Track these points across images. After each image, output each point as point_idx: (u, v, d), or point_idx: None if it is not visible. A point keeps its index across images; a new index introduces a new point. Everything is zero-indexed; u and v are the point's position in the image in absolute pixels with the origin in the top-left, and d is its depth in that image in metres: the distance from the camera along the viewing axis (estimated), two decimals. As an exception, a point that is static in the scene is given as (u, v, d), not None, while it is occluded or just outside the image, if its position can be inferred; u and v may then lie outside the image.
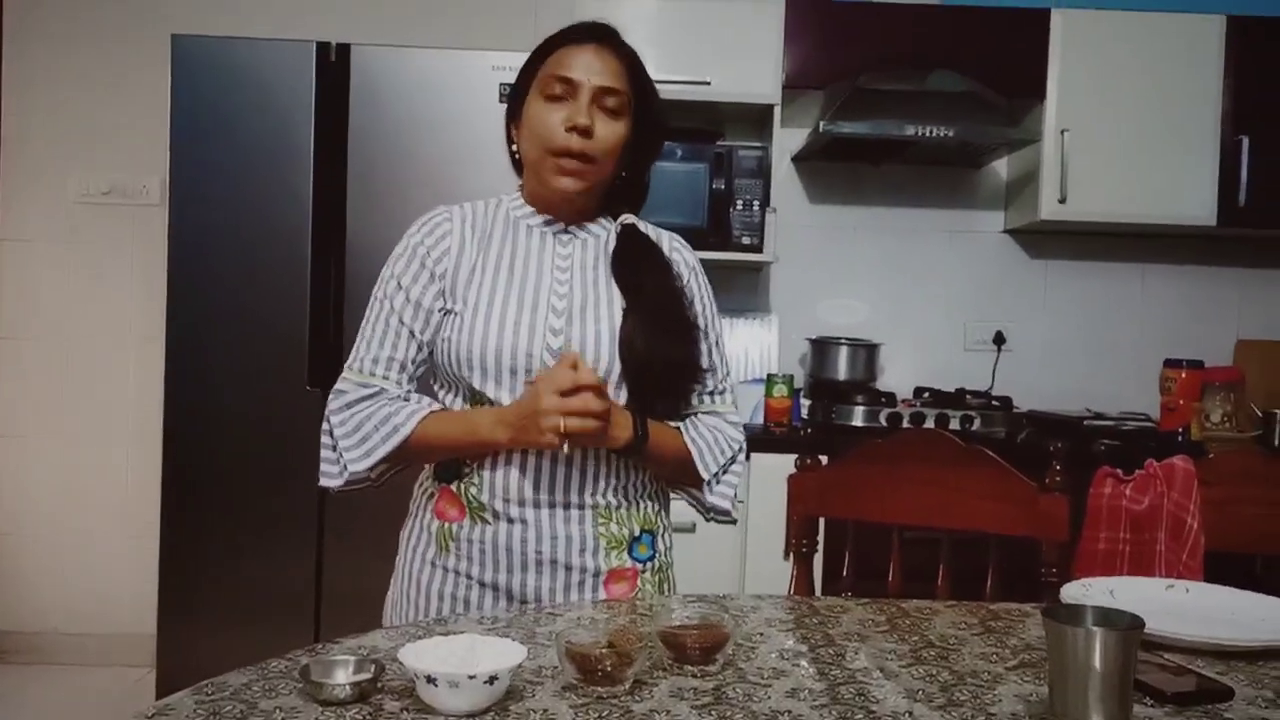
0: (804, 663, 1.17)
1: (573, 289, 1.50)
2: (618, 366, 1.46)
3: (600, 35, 1.49)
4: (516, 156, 1.56)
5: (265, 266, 2.92)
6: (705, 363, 1.56)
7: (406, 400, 1.48)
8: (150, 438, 3.31)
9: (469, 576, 1.48)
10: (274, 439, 2.92)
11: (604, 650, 1.06)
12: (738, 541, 2.93)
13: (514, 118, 1.55)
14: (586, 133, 1.45)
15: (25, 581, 3.63)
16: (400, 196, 2.90)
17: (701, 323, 1.56)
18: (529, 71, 1.52)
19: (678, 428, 1.53)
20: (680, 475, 1.56)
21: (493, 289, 1.48)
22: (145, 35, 3.53)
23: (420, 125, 2.92)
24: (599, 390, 1.37)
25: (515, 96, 1.54)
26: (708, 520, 1.61)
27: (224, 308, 2.92)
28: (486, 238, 1.53)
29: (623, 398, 1.47)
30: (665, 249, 1.58)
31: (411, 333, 1.49)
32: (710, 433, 1.56)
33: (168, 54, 2.90)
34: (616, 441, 1.42)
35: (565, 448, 1.36)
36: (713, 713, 1.01)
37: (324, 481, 1.49)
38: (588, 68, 1.46)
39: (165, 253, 2.93)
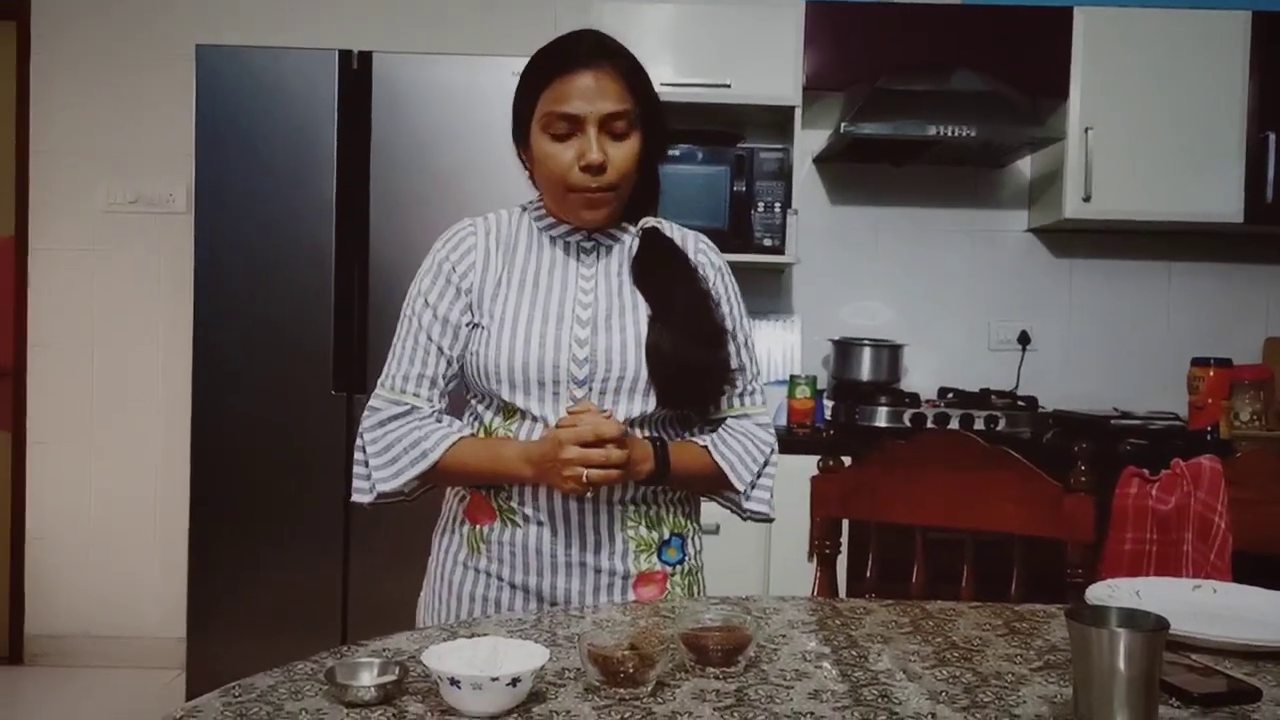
0: (827, 664, 1.17)
1: (597, 298, 1.50)
2: (645, 373, 1.46)
3: (592, 59, 1.43)
4: (532, 178, 1.55)
5: (290, 273, 2.95)
6: (734, 363, 1.56)
7: (439, 421, 1.49)
8: (178, 443, 3.35)
9: (499, 578, 1.49)
10: (300, 444, 2.95)
11: (626, 652, 1.06)
12: (762, 543, 2.93)
13: (520, 142, 1.53)
14: (601, 168, 1.44)
15: (57, 586, 3.68)
16: (423, 202, 2.92)
17: (729, 324, 1.56)
18: (525, 96, 1.48)
19: (705, 446, 1.53)
20: (714, 488, 1.57)
21: (518, 302, 1.48)
22: (170, 46, 3.57)
23: (442, 131, 2.94)
24: (620, 440, 1.38)
25: (517, 123, 1.51)
26: (744, 520, 1.61)
27: (250, 314, 2.95)
28: (511, 250, 1.53)
29: (651, 404, 1.47)
30: (691, 251, 1.57)
31: (440, 349, 1.49)
32: (740, 441, 1.55)
33: (192, 64, 2.94)
34: (638, 476, 1.44)
35: (589, 494, 1.39)
36: (735, 714, 1.01)
37: (356, 498, 1.51)
38: (587, 97, 1.42)
39: (191, 260, 2.96)
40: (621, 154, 1.45)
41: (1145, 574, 2.14)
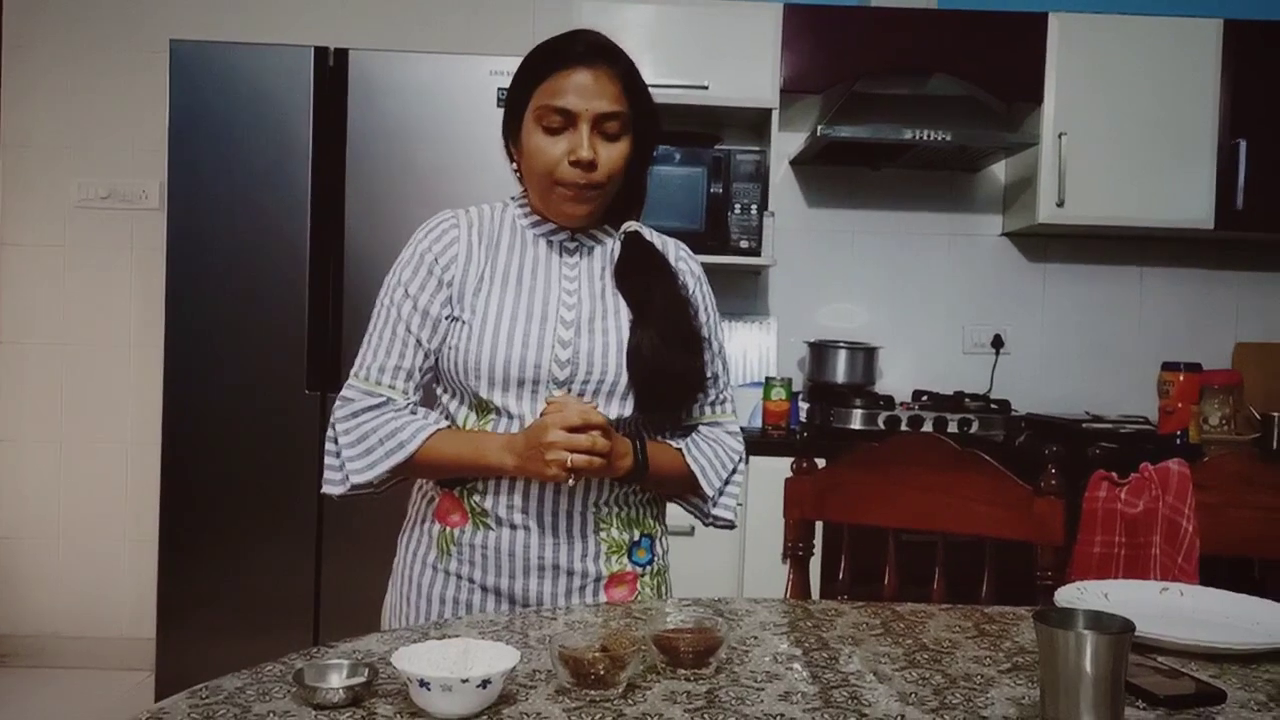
0: (797, 666, 1.18)
1: (581, 300, 1.50)
2: (625, 378, 1.46)
3: (592, 58, 1.44)
4: (519, 174, 1.55)
5: (264, 270, 2.93)
6: (708, 371, 1.57)
7: (414, 414, 1.48)
8: (149, 442, 3.32)
9: (470, 580, 1.48)
10: (273, 443, 2.93)
11: (597, 654, 1.06)
12: (736, 545, 2.93)
13: (510, 135, 1.53)
14: (591, 166, 1.44)
15: (25, 585, 3.64)
16: (399, 200, 2.90)
17: (706, 332, 1.57)
18: (521, 89, 1.48)
19: (679, 448, 1.54)
20: (683, 491, 1.58)
21: (501, 299, 1.48)
22: (144, 40, 3.54)
23: (419, 129, 2.93)
24: (605, 429, 1.37)
25: (510, 115, 1.51)
26: (706, 525, 1.62)
27: (223, 312, 2.93)
28: (494, 246, 1.52)
29: (629, 408, 1.48)
30: (671, 258, 1.58)
31: (419, 341, 1.48)
32: (711, 448, 1.57)
33: (166, 59, 2.91)
34: (618, 472, 1.43)
35: (570, 481, 1.37)
36: (705, 716, 1.01)
37: (327, 489, 1.49)
38: (583, 94, 1.43)
39: (164, 257, 2.93)
40: (612, 154, 1.46)
41: (1114, 577, 2.17)
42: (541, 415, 1.39)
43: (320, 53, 2.93)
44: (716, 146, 3.28)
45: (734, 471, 1.59)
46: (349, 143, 2.92)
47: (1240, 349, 3.62)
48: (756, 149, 3.27)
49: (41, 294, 3.63)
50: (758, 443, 2.98)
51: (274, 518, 2.94)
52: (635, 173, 1.54)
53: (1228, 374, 3.37)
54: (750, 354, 3.55)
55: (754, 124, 3.42)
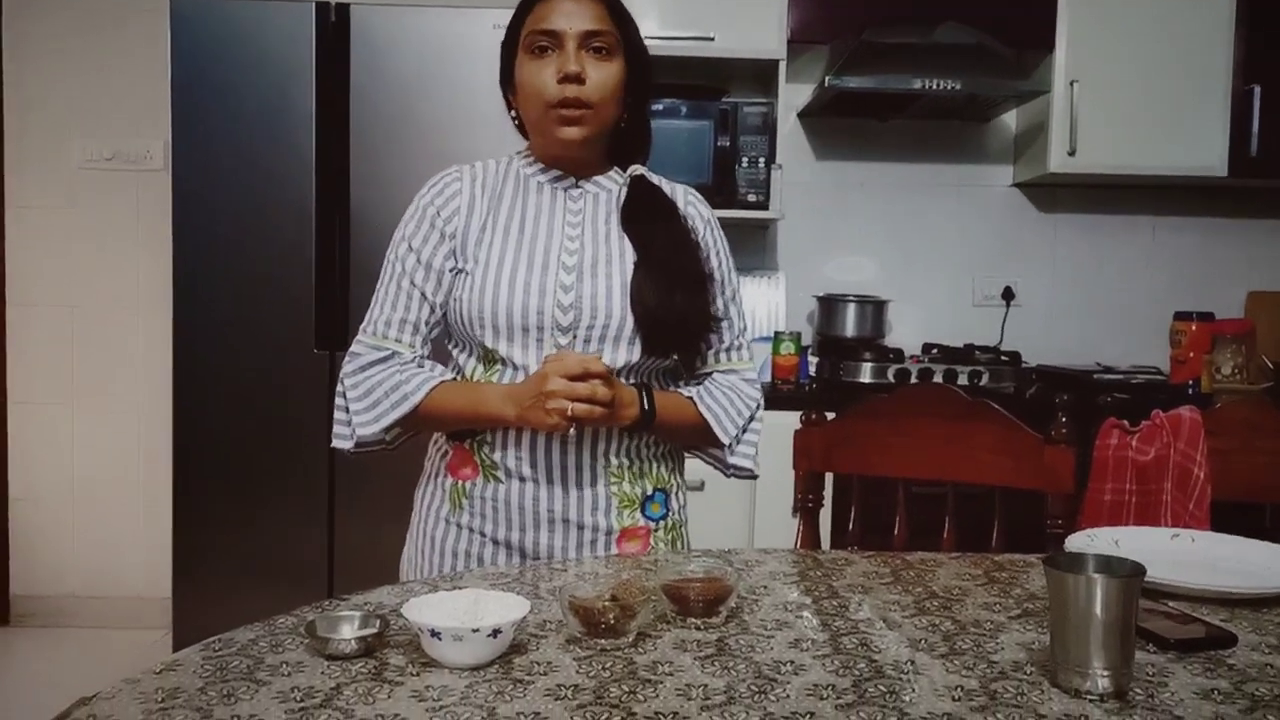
0: (807, 614, 1.18)
1: (583, 245, 1.49)
2: (631, 321, 1.46)
3: None
4: (518, 122, 1.55)
5: (270, 229, 2.92)
6: (721, 316, 1.56)
7: (420, 366, 1.48)
8: (160, 402, 3.33)
9: (482, 534, 1.49)
10: (283, 402, 2.94)
11: (607, 603, 1.06)
12: (747, 498, 2.94)
13: (508, 82, 1.53)
14: (579, 79, 1.43)
15: (41, 546, 3.67)
16: (403, 156, 2.89)
17: (718, 276, 1.56)
18: (513, 34, 1.50)
19: (690, 397, 1.53)
20: (698, 441, 1.57)
21: (503, 248, 1.47)
22: (145, -1, 3.51)
23: (422, 85, 2.90)
24: (607, 378, 1.37)
25: (505, 60, 1.52)
26: (728, 476, 1.61)
27: (230, 271, 2.93)
28: (497, 196, 1.52)
29: (636, 352, 1.47)
30: (680, 203, 1.57)
31: (424, 294, 1.48)
32: (726, 395, 1.55)
33: (167, 17, 2.88)
34: (623, 421, 1.43)
35: (571, 431, 1.36)
36: (715, 663, 1.01)
37: (336, 443, 1.50)
38: (568, 16, 1.44)
39: (170, 217, 2.93)
40: (603, 73, 1.46)
41: (1125, 524, 2.16)
42: (542, 365, 1.39)
43: (322, 8, 2.90)
44: (723, 99, 3.24)
45: (751, 419, 1.58)
46: (352, 99, 2.90)
47: (1253, 297, 3.59)
48: (763, 101, 3.23)
49: (49, 257, 3.63)
50: (767, 397, 2.90)
51: (285, 476, 2.95)
52: (635, 111, 1.53)
53: (1240, 323, 3.35)
54: (759, 308, 3.54)
55: (761, 76, 3.38)
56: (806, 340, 3.44)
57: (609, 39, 1.46)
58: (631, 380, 1.48)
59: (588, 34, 1.44)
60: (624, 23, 1.49)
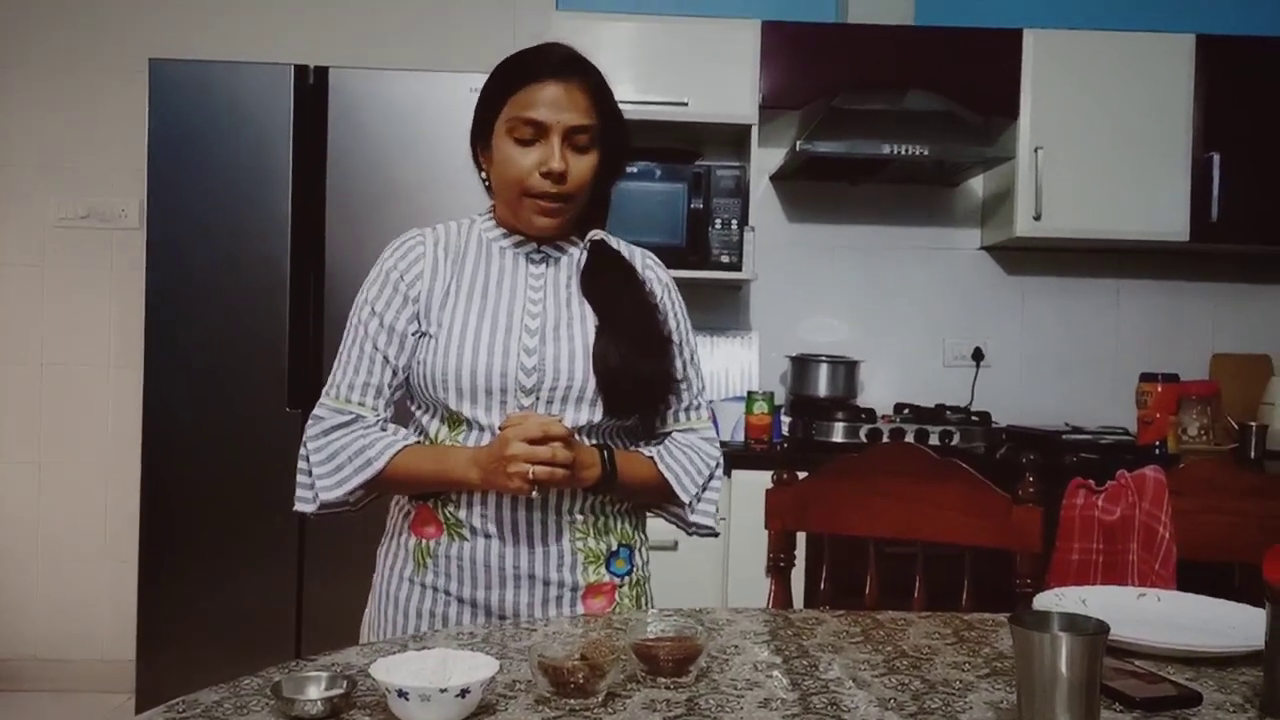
0: (777, 674, 1.18)
1: (546, 308, 1.51)
2: (592, 382, 1.47)
3: (563, 71, 1.46)
4: (488, 183, 1.56)
5: (244, 289, 2.92)
6: (680, 376, 1.58)
7: (384, 430, 1.49)
8: (129, 461, 3.30)
9: (447, 593, 1.48)
10: (254, 461, 2.91)
11: (577, 663, 1.06)
12: (720, 558, 2.93)
13: (480, 144, 1.54)
14: (561, 177, 1.46)
15: (3, 608, 3.60)
16: (379, 218, 2.91)
17: (676, 338, 1.58)
18: (492, 99, 1.50)
19: (651, 457, 1.54)
20: (660, 500, 1.58)
21: (466, 311, 1.49)
22: (123, 59, 3.54)
23: (399, 147, 2.93)
24: (567, 440, 1.38)
25: (479, 125, 1.53)
26: (689, 534, 1.62)
27: (203, 331, 2.92)
28: (460, 260, 1.54)
29: (598, 413, 1.48)
30: (639, 266, 1.59)
31: (386, 358, 1.49)
32: (685, 454, 1.57)
33: (145, 78, 2.91)
34: (585, 482, 1.44)
35: (535, 493, 1.38)
36: (684, 723, 1.01)
37: (298, 506, 1.50)
38: (555, 107, 1.45)
39: (144, 276, 2.92)
40: (581, 166, 1.48)
41: (1092, 583, 2.17)
42: (501, 429, 1.39)
43: (300, 70, 2.93)
44: (697, 162, 3.29)
45: (711, 477, 1.59)
46: (329, 160, 2.93)
47: (1217, 360, 3.65)
48: (736, 164, 3.29)
49: (20, 314, 3.61)
50: (740, 456, 2.98)
51: (255, 538, 2.92)
52: (602, 185, 1.55)
53: (1205, 384, 3.40)
54: (732, 368, 3.56)
55: (734, 140, 3.44)
56: (780, 400, 3.46)
57: (591, 132, 1.48)
58: (592, 440, 1.49)
59: (572, 129, 1.46)
60: (606, 114, 1.50)
